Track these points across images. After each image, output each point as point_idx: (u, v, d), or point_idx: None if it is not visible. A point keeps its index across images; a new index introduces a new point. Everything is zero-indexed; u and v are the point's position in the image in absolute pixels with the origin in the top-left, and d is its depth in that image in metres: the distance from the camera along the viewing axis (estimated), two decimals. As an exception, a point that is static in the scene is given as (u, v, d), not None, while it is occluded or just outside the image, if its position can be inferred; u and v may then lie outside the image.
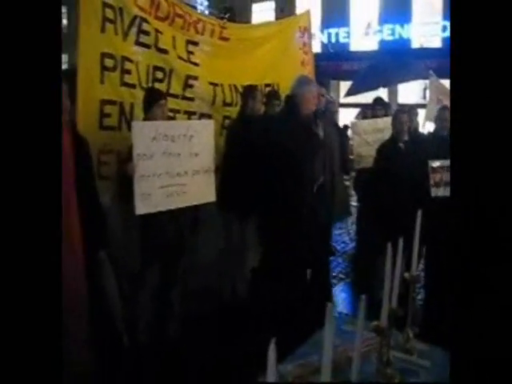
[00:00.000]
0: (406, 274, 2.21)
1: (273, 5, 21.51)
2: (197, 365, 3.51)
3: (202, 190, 3.71)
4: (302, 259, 3.99)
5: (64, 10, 30.03)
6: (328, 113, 4.97)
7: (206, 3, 19.35)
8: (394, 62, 8.67)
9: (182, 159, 3.54)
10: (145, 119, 3.59)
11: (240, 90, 4.76)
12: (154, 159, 3.37)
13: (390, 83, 9.62)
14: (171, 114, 4.12)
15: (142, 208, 3.34)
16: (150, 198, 3.37)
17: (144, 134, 3.31)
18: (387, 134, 4.78)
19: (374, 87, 8.47)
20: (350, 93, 8.91)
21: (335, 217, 4.57)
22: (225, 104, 4.69)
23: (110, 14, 3.69)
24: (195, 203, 3.72)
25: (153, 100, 3.58)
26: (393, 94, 15.04)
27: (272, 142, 3.86)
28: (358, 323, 1.46)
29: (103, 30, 3.67)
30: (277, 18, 18.11)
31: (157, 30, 4.04)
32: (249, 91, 4.45)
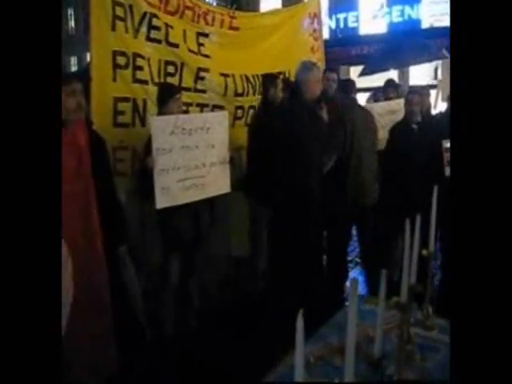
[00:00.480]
0: (424, 251, 2.23)
1: (279, -8, 21.38)
2: (217, 355, 3.53)
3: (218, 182, 3.76)
4: (313, 243, 4.03)
5: (71, 11, 30.26)
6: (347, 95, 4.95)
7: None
8: (408, 43, 8.60)
9: (199, 152, 3.58)
10: (159, 114, 3.61)
11: (251, 79, 4.81)
12: (173, 153, 3.40)
13: (405, 65, 9.52)
14: (184, 108, 4.16)
15: (162, 202, 3.37)
16: (169, 192, 3.41)
17: (162, 129, 3.34)
18: (400, 116, 4.75)
19: (388, 68, 8.41)
20: (364, 73, 8.90)
21: (366, 201, 4.57)
22: (236, 94, 4.71)
23: (120, 11, 3.74)
24: (212, 195, 3.76)
25: (168, 95, 3.60)
26: (404, 75, 14.91)
27: (279, 129, 3.91)
28: (379, 297, 1.49)
29: (114, 28, 3.71)
30: (284, 6, 18.02)
31: (167, 25, 4.07)
32: (269, 80, 4.47)
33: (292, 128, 3.81)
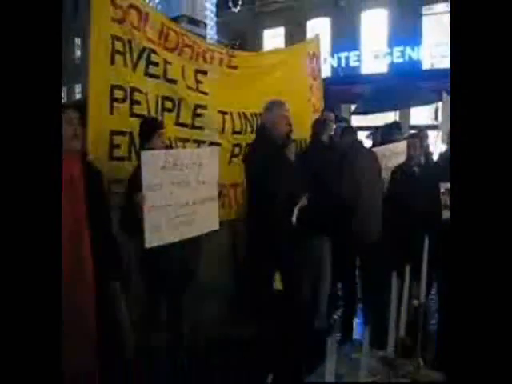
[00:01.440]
0: (415, 302, 2.18)
1: (283, 30, 21.79)
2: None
3: (208, 219, 3.68)
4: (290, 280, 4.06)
5: (78, 41, 30.80)
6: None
7: (214, 31, 19.62)
8: (402, 86, 8.73)
9: (190, 188, 3.50)
10: (142, 150, 3.48)
11: (249, 117, 4.82)
12: (163, 189, 3.30)
13: (398, 107, 9.64)
14: (180, 144, 4.16)
15: (151, 241, 3.24)
16: (160, 230, 3.29)
17: (153, 164, 3.24)
18: (404, 158, 4.78)
19: (381, 110, 8.51)
20: (356, 112, 9.00)
21: (365, 239, 4.54)
22: (234, 132, 4.70)
23: (119, 46, 3.73)
24: (201, 233, 3.67)
25: (152, 130, 3.53)
26: (404, 116, 15.04)
27: (247, 168, 4.03)
28: (363, 350, 1.45)
29: (113, 62, 3.70)
30: (287, 43, 18.34)
31: (166, 61, 4.08)
32: None
33: (256, 168, 3.83)
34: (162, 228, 3.31)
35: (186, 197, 3.48)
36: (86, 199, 2.91)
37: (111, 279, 3.18)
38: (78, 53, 31.42)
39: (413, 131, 6.41)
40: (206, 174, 3.62)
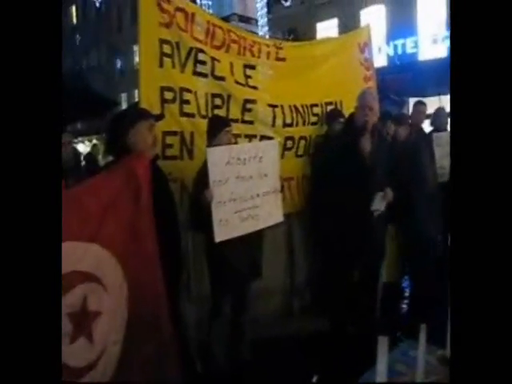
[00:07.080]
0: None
1: (336, 22, 21.52)
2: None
3: (272, 212, 3.74)
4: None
5: (135, 48, 31.76)
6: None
7: (266, 28, 19.53)
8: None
9: (253, 181, 3.58)
10: (209, 147, 3.58)
11: (300, 109, 4.76)
12: (229, 184, 3.40)
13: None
14: (233, 140, 4.16)
15: (221, 235, 3.34)
16: (227, 224, 3.39)
17: (218, 160, 3.34)
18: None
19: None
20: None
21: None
22: (285, 125, 4.66)
23: (167, 49, 3.80)
24: (267, 225, 3.74)
25: (219, 127, 3.64)
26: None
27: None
28: (418, 353, 1.39)
29: (161, 64, 3.78)
30: (340, 35, 18.03)
31: (213, 59, 4.11)
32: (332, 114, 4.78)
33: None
34: (229, 222, 3.40)
35: (249, 190, 3.56)
36: (154, 203, 2.93)
37: (179, 275, 3.24)
38: (137, 59, 32.39)
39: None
40: (267, 167, 3.67)
